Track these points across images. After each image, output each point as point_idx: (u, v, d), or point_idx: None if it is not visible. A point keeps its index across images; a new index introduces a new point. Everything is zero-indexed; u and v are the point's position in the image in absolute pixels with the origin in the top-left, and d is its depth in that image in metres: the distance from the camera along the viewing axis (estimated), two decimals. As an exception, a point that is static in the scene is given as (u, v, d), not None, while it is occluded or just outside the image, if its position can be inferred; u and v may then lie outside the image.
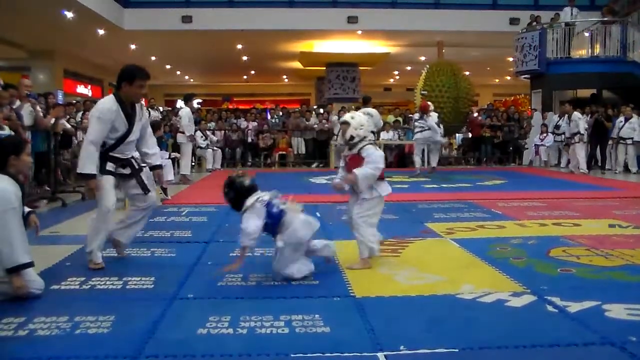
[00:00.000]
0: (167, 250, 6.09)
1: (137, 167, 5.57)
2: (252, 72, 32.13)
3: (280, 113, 20.66)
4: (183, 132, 14.06)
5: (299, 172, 17.32)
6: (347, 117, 5.52)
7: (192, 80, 36.50)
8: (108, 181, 5.33)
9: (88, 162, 5.17)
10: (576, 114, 15.91)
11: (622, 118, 15.78)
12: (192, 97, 14.82)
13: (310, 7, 20.38)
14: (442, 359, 3.35)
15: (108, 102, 5.33)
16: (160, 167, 5.79)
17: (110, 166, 5.36)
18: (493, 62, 27.33)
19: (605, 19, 19.21)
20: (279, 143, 19.13)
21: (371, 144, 5.43)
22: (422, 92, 18.02)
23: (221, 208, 8.91)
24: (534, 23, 19.44)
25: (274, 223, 4.88)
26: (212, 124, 19.34)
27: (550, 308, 4.17)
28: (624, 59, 18.20)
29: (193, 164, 17.21)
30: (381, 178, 5.49)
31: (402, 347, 3.43)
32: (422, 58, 25.11)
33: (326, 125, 18.94)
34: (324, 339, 3.61)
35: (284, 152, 19.20)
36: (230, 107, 33.59)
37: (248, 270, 5.16)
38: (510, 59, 22.15)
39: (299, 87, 37.59)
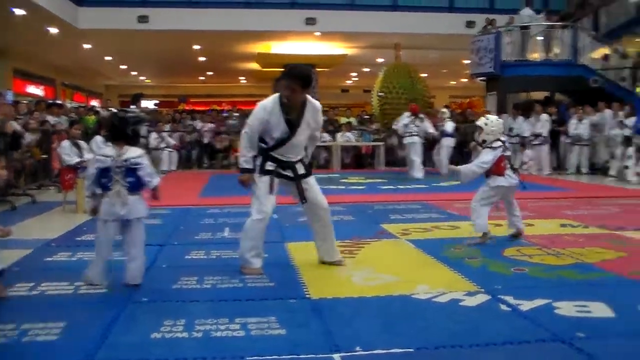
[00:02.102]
0: (120, 253, 5.97)
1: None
2: (209, 73, 31.91)
3: (238, 114, 20.56)
4: None
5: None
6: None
7: (148, 80, 36.09)
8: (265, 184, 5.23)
9: None
10: (544, 116, 16.18)
11: (575, 120, 16.09)
12: (140, 98, 14.52)
13: (268, 8, 20.31)
14: (397, 359, 3.36)
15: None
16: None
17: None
18: (449, 64, 27.58)
19: (558, 23, 19.54)
20: (236, 144, 19.03)
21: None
22: (380, 93, 18.12)
23: (176, 210, 8.87)
24: (489, 26, 19.68)
25: None
26: (167, 126, 19.16)
27: (503, 307, 4.23)
28: (575, 62, 18.54)
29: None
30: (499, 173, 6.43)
31: (358, 348, 3.44)
32: (380, 60, 25.21)
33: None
34: (280, 341, 3.60)
35: (239, 154, 19.07)
36: (187, 108, 33.35)
37: (204, 273, 5.13)
38: (466, 62, 22.37)
39: (256, 88, 37.38)
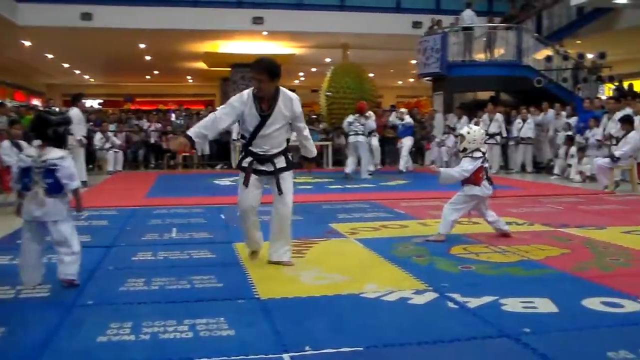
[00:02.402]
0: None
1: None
2: (156, 72, 31.55)
3: (184, 114, 20.38)
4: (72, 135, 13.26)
5: (203, 173, 17.16)
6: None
7: (92, 79, 35.48)
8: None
9: None
10: (499, 116, 16.43)
11: (520, 120, 16.40)
12: (80, 97, 14.21)
13: (215, 7, 20.18)
14: (347, 358, 3.36)
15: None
16: None
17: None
18: (397, 64, 27.81)
19: (503, 24, 19.89)
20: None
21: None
22: (327, 93, 18.19)
23: (123, 211, 8.75)
24: (435, 27, 19.90)
25: None
26: (113, 126, 18.88)
27: (451, 304, 4.27)
28: (519, 63, 18.90)
29: (91, 166, 16.78)
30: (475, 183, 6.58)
31: (307, 348, 3.43)
32: (327, 60, 25.29)
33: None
34: (229, 341, 3.57)
35: (187, 154, 18.94)
36: (133, 107, 32.93)
37: (151, 275, 5.06)
38: (413, 62, 22.59)
39: (203, 88, 37.19)
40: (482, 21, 20.04)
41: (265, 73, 5.20)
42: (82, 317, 4.02)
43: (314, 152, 5.82)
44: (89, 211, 8.73)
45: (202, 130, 5.30)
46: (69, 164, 4.72)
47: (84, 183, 12.60)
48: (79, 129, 13.03)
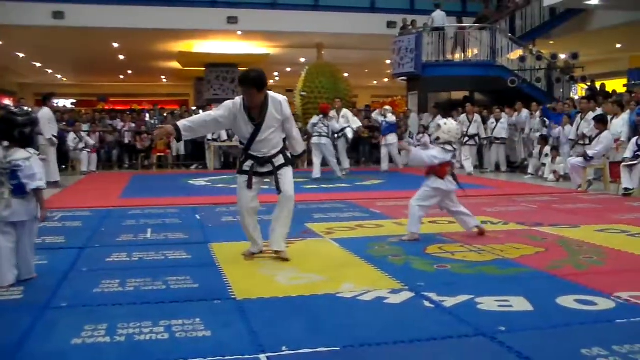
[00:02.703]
0: (38, 257, 5.76)
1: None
2: (129, 71, 31.34)
3: (159, 114, 20.27)
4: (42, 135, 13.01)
5: (178, 174, 17.07)
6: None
7: (64, 79, 35.15)
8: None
9: None
10: (478, 117, 16.51)
11: (493, 119, 16.51)
12: (51, 97, 14.04)
13: (190, 6, 20.09)
14: (323, 358, 3.36)
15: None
16: None
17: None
18: (371, 64, 27.89)
19: (477, 24, 20.03)
20: (157, 144, 18.74)
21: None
22: (302, 93, 18.18)
23: (97, 212, 8.68)
24: (410, 27, 19.98)
25: None
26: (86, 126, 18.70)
27: (427, 303, 4.29)
28: (493, 63, 19.05)
29: (64, 166, 16.62)
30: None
31: (284, 348, 3.42)
32: (302, 59, 25.29)
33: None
34: (205, 342, 3.55)
35: (162, 154, 18.84)
36: (106, 107, 32.68)
37: (126, 276, 5.02)
38: (388, 62, 22.68)
39: (177, 87, 37.03)
40: (454, 21, 20.16)
41: (254, 87, 5.40)
42: (55, 319, 3.98)
43: (298, 150, 6.03)
44: (62, 212, 8.66)
45: (192, 124, 5.51)
46: (32, 164, 4.71)
47: (56, 183, 12.49)
48: (49, 128, 12.87)
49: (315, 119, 14.51)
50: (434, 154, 6.55)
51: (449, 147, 6.60)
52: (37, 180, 4.73)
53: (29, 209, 4.76)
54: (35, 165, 4.74)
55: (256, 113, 5.50)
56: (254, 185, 5.65)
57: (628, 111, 12.78)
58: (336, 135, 14.77)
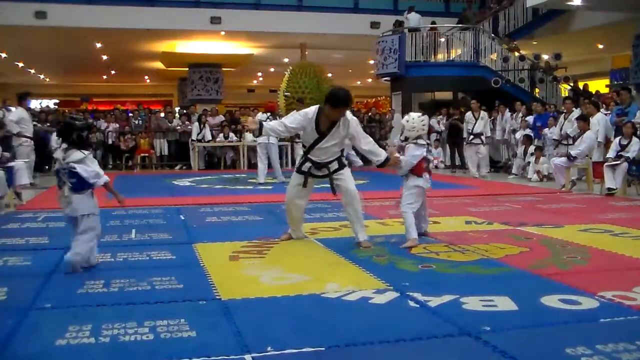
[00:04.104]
0: (22, 258, 5.76)
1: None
2: (113, 72, 31.17)
3: (143, 114, 20.17)
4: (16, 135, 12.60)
5: (161, 174, 17.00)
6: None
7: (47, 79, 34.89)
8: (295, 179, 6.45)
9: None
10: (484, 114, 16.48)
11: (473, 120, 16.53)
12: (26, 96, 13.85)
13: (173, 6, 19.98)
14: (308, 358, 3.36)
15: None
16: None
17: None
18: (355, 64, 27.92)
19: (461, 25, 20.11)
20: (140, 145, 18.66)
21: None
22: (285, 93, 18.13)
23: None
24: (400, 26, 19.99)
25: None
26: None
27: (412, 303, 4.30)
28: (476, 63, 19.13)
29: (47, 167, 16.50)
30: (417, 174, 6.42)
31: (269, 348, 3.41)
32: (286, 60, 25.26)
33: (189, 127, 18.68)
34: (190, 343, 3.53)
35: (146, 154, 18.76)
36: (90, 108, 32.49)
37: (110, 276, 4.99)
38: (371, 62, 22.70)
39: (161, 87, 36.88)
40: (428, 22, 20.18)
41: (346, 107, 6.07)
42: (39, 321, 3.95)
43: (381, 157, 6.38)
44: (46, 213, 8.61)
45: (273, 123, 6.43)
46: (89, 163, 5.19)
47: (32, 184, 12.34)
48: (25, 128, 12.74)
49: (263, 117, 13.80)
50: (414, 154, 6.40)
51: (421, 142, 6.43)
52: (102, 177, 5.24)
53: (88, 205, 5.23)
54: (92, 164, 5.21)
55: (326, 126, 6.08)
56: (307, 185, 6.34)
57: (602, 111, 12.92)
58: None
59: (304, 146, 6.44)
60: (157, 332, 3.69)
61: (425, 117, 6.66)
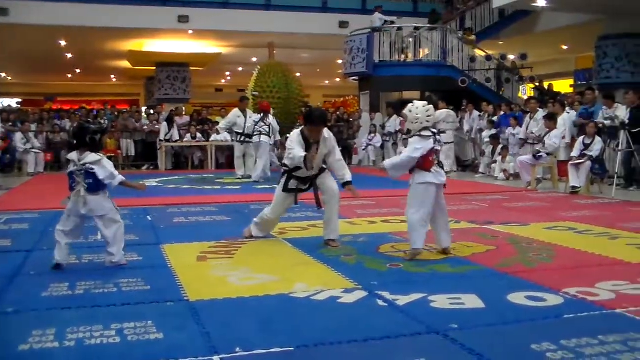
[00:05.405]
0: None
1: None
2: (78, 70, 30.77)
3: (109, 113, 19.95)
4: None
5: (128, 174, 16.80)
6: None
7: (9, 78, 34.31)
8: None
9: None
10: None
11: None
12: None
13: (140, 4, 19.76)
14: (277, 358, 3.35)
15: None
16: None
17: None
18: (323, 63, 27.92)
19: (428, 25, 20.22)
20: (106, 145, 18.45)
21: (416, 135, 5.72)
22: (254, 93, 18.08)
23: (45, 214, 8.50)
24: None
25: None
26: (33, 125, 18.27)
27: (380, 302, 4.31)
28: (444, 63, 19.24)
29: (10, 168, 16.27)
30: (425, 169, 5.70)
31: (237, 349, 3.40)
32: (254, 59, 25.17)
33: (156, 127, 18.54)
34: (158, 345, 3.51)
35: (112, 154, 18.56)
36: (54, 107, 32.03)
37: (76, 279, 4.93)
38: (340, 61, 22.72)
39: (127, 87, 36.51)
40: (405, 22, 20.27)
41: (322, 124, 6.30)
42: (1, 326, 3.90)
43: (345, 177, 6.47)
44: (8, 214, 8.48)
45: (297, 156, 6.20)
46: (104, 165, 5.32)
47: None
48: None
49: (256, 118, 13.98)
50: (414, 147, 5.61)
51: (427, 133, 5.62)
52: (117, 177, 5.37)
53: (104, 205, 5.37)
54: (108, 166, 5.34)
55: (311, 147, 6.20)
56: (290, 198, 6.59)
57: (567, 110, 13.09)
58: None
59: (285, 165, 6.54)
60: (124, 334, 3.66)
61: (431, 107, 5.83)
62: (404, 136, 6.64)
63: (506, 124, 14.84)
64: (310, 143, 6.26)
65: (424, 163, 5.62)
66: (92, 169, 5.24)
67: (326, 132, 6.36)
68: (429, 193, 5.64)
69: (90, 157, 5.28)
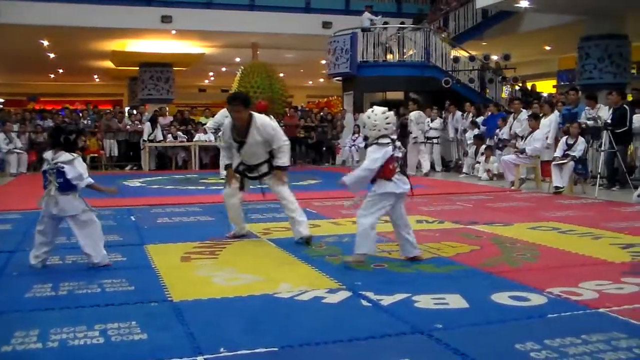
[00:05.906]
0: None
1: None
2: (61, 70, 30.58)
3: (92, 113, 19.84)
4: None
5: (112, 174, 16.76)
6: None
7: (-10, 77, 34.06)
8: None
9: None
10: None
11: (428, 119, 16.69)
12: None
13: (123, 4, 19.67)
14: (262, 358, 3.35)
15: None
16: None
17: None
18: (307, 64, 27.92)
19: (412, 25, 20.27)
20: (90, 145, 18.36)
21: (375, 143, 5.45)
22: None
23: (27, 215, 8.43)
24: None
25: None
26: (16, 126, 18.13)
27: (364, 302, 4.31)
28: (427, 64, 19.30)
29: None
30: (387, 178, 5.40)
31: (222, 350, 3.39)
32: (237, 59, 25.14)
33: (139, 127, 18.46)
34: (142, 346, 3.49)
35: (95, 155, 18.47)
36: (37, 107, 31.78)
37: (59, 279, 4.90)
38: (323, 62, 22.74)
39: (111, 87, 36.34)
40: (379, 22, 20.29)
41: (240, 104, 6.28)
42: (-17, 327, 3.85)
43: (280, 161, 6.50)
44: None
45: (226, 159, 6.77)
46: (75, 165, 5.29)
47: None
48: None
49: None
50: (370, 158, 5.38)
51: (384, 140, 5.38)
52: (85, 179, 5.33)
53: (74, 205, 5.32)
54: (78, 166, 5.31)
55: (242, 131, 6.33)
56: (245, 184, 6.67)
57: (556, 112, 13.17)
58: None
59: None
60: (108, 335, 3.64)
61: (391, 113, 5.58)
62: (365, 142, 6.53)
63: (494, 125, 14.86)
64: (239, 130, 6.36)
65: (384, 171, 5.37)
66: (63, 167, 5.23)
67: (258, 121, 6.36)
68: (387, 202, 5.45)
69: (64, 156, 5.28)
